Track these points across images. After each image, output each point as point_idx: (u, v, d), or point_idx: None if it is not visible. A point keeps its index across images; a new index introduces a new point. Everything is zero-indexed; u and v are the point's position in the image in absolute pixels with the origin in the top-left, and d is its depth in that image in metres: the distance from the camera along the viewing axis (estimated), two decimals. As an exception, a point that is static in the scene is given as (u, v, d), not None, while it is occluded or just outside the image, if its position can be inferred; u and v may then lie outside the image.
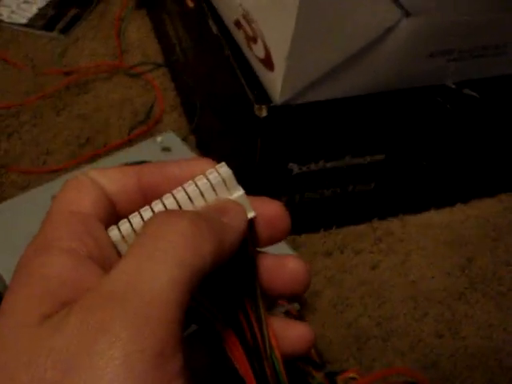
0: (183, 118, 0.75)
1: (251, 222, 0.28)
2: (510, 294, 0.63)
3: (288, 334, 0.28)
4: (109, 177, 0.27)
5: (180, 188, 0.27)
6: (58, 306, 0.22)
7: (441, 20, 0.52)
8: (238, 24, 0.57)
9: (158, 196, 0.26)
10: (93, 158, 0.69)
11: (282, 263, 0.29)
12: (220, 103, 0.64)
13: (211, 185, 0.27)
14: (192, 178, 0.27)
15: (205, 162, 0.28)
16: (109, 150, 0.70)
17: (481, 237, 0.67)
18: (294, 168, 0.58)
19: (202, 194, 0.27)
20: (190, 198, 0.26)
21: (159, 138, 0.63)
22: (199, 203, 0.27)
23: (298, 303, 0.56)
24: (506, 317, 0.61)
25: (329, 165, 0.59)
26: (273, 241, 0.29)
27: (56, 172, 0.68)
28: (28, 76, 0.79)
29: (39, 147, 0.72)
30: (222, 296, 0.27)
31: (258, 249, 0.29)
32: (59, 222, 0.25)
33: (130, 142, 0.71)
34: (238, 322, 0.27)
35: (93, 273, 0.24)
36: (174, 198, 0.26)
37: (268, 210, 0.28)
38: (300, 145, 0.57)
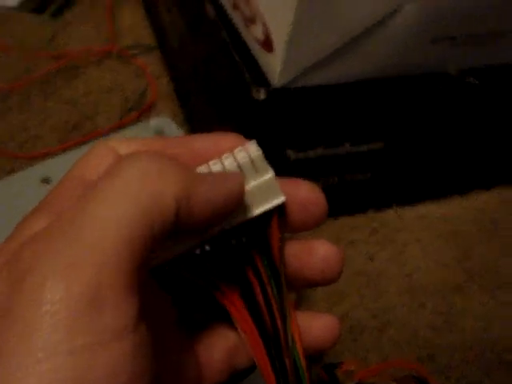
0: (176, 106, 0.74)
1: (281, 208, 0.26)
2: (506, 287, 0.62)
3: (311, 325, 0.27)
4: (130, 147, 0.25)
5: (205, 165, 0.25)
6: None
7: (445, 5, 0.51)
8: (235, 5, 0.55)
9: None
10: (82, 143, 0.67)
11: (311, 249, 0.27)
12: (216, 88, 0.63)
13: (238, 164, 0.25)
14: (219, 154, 0.25)
15: (234, 138, 0.26)
16: (98, 136, 0.68)
17: (477, 229, 0.66)
18: (291, 155, 0.56)
19: None
20: None
21: (152, 122, 0.62)
22: None
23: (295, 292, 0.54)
24: (503, 310, 0.60)
25: (327, 152, 0.57)
26: (306, 227, 0.27)
27: (44, 157, 0.66)
28: (17, 59, 0.77)
29: (27, 132, 0.70)
30: (243, 283, 0.26)
31: (287, 234, 0.27)
32: (63, 187, 0.24)
33: (119, 129, 0.69)
34: (259, 312, 0.25)
35: None
36: None
37: (301, 194, 0.26)
38: (298, 130, 0.55)
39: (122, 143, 0.25)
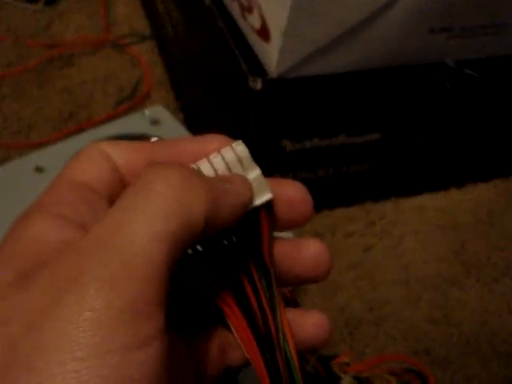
0: (171, 95, 0.73)
1: (269, 205, 0.26)
2: (503, 280, 0.62)
3: (304, 323, 0.27)
4: (121, 150, 0.26)
5: (194, 165, 0.25)
6: (36, 264, 0.21)
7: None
8: (232, -6, 0.55)
9: None
10: (77, 132, 0.66)
11: (301, 247, 0.27)
12: (211, 78, 0.62)
13: (226, 164, 0.26)
14: (207, 155, 0.26)
15: (221, 140, 0.26)
16: (92, 125, 0.67)
17: (474, 221, 0.66)
18: (288, 145, 0.56)
19: (217, 173, 0.25)
20: None
21: (147, 111, 0.61)
22: None
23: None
24: (500, 302, 0.60)
25: (323, 143, 0.57)
26: (293, 225, 0.27)
27: (38, 146, 0.65)
28: (11, 48, 0.76)
29: (21, 121, 0.69)
30: (234, 281, 0.26)
31: (276, 233, 0.27)
32: (57, 189, 0.24)
33: (114, 118, 0.69)
34: (251, 309, 0.25)
35: None
36: None
37: (288, 192, 0.27)
38: (294, 120, 0.55)
39: (114, 148, 0.25)
